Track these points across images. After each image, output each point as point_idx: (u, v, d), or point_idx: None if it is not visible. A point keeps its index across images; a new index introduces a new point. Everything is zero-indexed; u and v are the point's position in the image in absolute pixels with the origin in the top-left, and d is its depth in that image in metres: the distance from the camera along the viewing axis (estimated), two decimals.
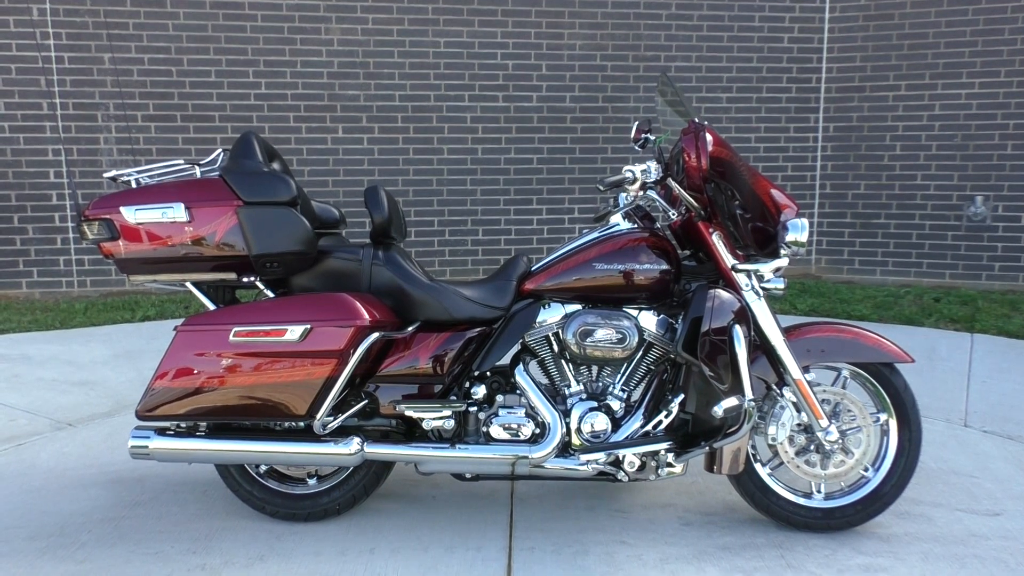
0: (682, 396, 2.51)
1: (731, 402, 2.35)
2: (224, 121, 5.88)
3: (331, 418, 2.46)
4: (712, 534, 2.59)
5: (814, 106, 6.46)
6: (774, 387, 2.53)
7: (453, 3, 6.00)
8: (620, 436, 2.51)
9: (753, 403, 2.36)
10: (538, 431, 2.54)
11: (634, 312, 2.53)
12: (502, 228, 6.32)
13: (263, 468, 2.66)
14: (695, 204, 2.48)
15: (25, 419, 3.62)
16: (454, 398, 2.57)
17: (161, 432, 2.50)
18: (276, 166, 2.60)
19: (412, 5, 5.96)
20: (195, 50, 5.78)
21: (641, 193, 2.57)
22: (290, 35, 5.87)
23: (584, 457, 2.49)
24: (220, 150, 2.65)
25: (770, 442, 2.56)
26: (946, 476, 3.00)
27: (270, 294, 2.54)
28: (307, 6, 5.86)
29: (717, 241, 2.50)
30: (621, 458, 2.49)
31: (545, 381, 2.64)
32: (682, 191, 2.47)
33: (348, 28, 5.92)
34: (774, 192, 2.44)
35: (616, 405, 2.55)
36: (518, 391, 2.58)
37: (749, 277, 2.49)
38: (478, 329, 2.55)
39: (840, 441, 2.53)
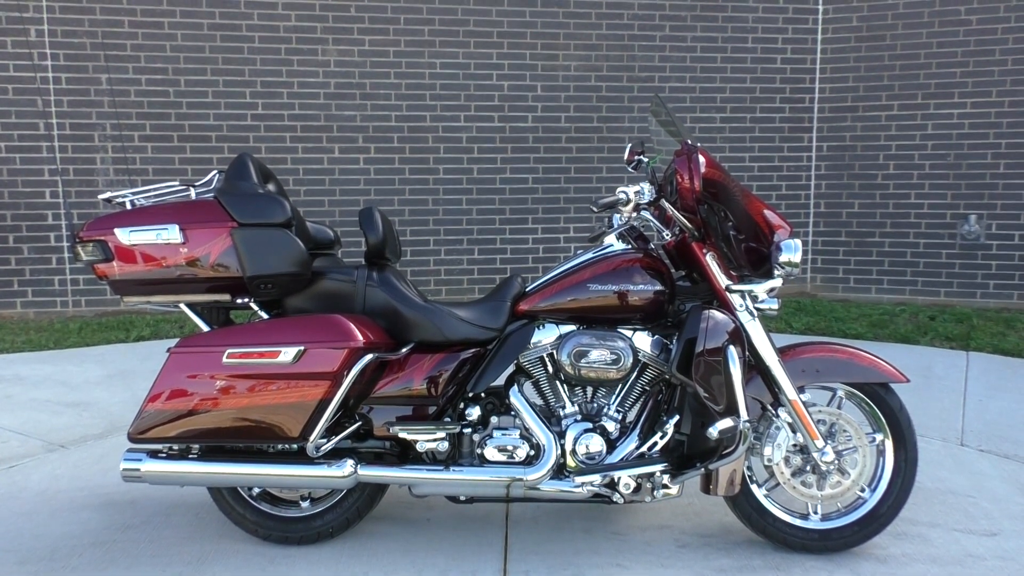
0: (677, 417, 2.50)
1: (726, 423, 2.34)
2: (221, 141, 5.90)
3: (324, 440, 2.44)
4: (709, 556, 2.57)
5: (807, 126, 6.50)
6: (769, 408, 2.53)
7: (449, 25, 6.05)
8: (615, 458, 2.50)
9: (748, 424, 2.35)
10: (533, 453, 2.53)
11: (629, 333, 2.52)
12: (498, 248, 6.33)
13: (256, 491, 2.64)
14: (689, 225, 2.49)
15: (17, 440, 3.59)
16: (448, 420, 2.56)
17: (153, 455, 2.48)
18: (271, 187, 2.61)
19: (408, 27, 6.01)
20: (192, 71, 5.81)
21: (635, 214, 2.58)
22: (287, 56, 5.91)
23: (579, 479, 2.48)
24: (215, 171, 2.65)
25: (766, 463, 2.56)
26: (943, 496, 2.99)
27: (264, 315, 2.53)
28: (304, 28, 5.90)
29: (711, 262, 2.51)
30: (616, 480, 2.48)
31: (540, 402, 2.63)
32: (676, 212, 2.48)
33: (345, 49, 5.96)
34: (767, 213, 2.45)
35: (611, 426, 2.54)
36: (513, 412, 2.57)
37: (743, 297, 2.49)
38: (472, 350, 2.54)
39: (836, 461, 2.52)
